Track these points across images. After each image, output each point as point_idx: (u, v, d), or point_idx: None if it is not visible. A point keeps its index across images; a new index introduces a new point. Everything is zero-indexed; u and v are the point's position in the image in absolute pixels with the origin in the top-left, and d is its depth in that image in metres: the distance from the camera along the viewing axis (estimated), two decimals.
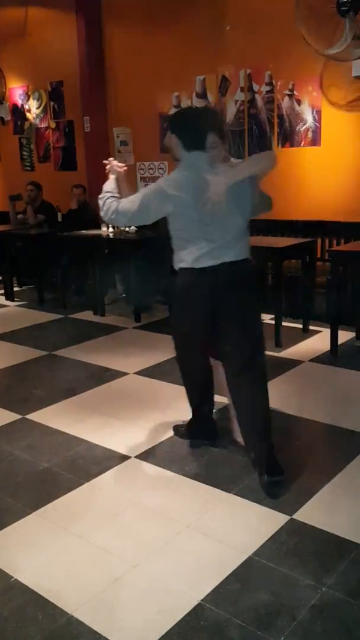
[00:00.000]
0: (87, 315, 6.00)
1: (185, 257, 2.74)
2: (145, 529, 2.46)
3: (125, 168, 3.05)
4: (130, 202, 2.74)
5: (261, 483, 2.70)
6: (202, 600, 2.04)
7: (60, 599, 2.07)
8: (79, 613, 2.00)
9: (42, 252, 6.49)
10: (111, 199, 2.80)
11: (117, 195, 2.84)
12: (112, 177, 2.95)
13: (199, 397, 3.10)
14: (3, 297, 6.89)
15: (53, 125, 7.63)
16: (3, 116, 8.13)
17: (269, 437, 2.76)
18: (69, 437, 3.32)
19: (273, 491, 2.66)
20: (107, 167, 3.00)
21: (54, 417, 3.60)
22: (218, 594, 2.07)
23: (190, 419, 3.18)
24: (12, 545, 2.39)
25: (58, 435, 3.35)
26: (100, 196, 2.85)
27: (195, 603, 2.03)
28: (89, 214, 6.70)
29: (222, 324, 2.75)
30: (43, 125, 7.76)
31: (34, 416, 3.62)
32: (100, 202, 2.83)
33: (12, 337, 5.36)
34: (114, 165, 2.99)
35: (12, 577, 2.18)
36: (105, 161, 3.05)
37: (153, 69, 6.46)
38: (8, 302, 6.74)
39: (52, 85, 7.51)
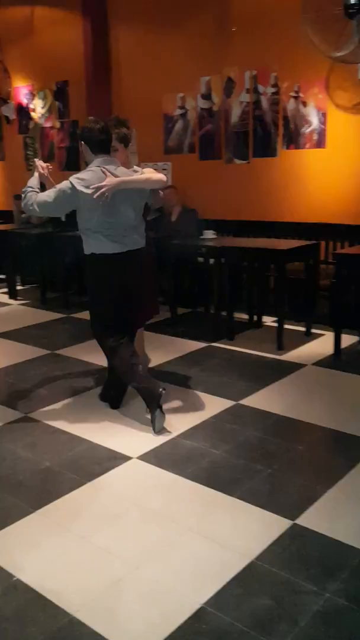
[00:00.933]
0: (89, 315, 5.97)
1: (93, 245, 3.37)
2: (147, 530, 2.45)
3: (50, 168, 3.59)
4: (47, 195, 3.31)
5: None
6: (204, 604, 2.03)
7: (61, 599, 2.06)
8: (80, 614, 1.99)
9: (45, 251, 6.49)
10: (32, 193, 3.36)
11: (37, 190, 3.40)
12: (35, 174, 3.47)
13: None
14: (6, 296, 6.89)
15: (58, 125, 7.63)
16: (8, 115, 8.12)
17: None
18: (70, 436, 3.32)
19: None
20: (36, 165, 3.52)
21: (55, 416, 3.60)
22: (220, 598, 2.06)
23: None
24: (14, 544, 2.38)
25: (60, 435, 3.35)
26: (23, 190, 3.37)
27: (197, 607, 2.02)
28: None
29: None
30: (48, 124, 7.75)
31: (36, 415, 3.62)
32: (22, 195, 3.36)
33: (14, 335, 5.35)
34: (39, 164, 3.52)
35: (14, 577, 2.18)
36: (34, 160, 3.58)
37: (158, 70, 6.46)
38: (11, 301, 6.74)
39: (58, 85, 7.50)
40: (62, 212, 3.43)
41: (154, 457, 3.04)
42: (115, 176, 3.26)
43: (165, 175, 3.54)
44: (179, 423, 3.43)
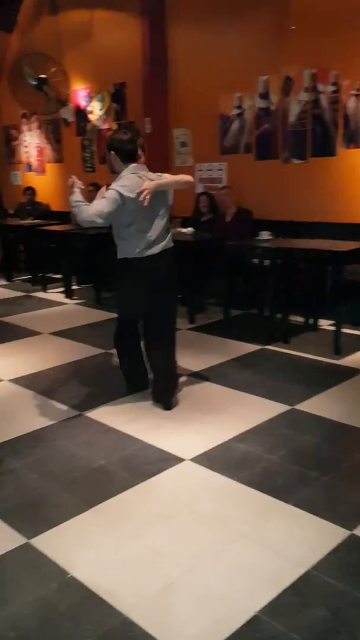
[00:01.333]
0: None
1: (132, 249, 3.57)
2: (199, 534, 2.43)
3: (83, 187, 3.67)
4: (101, 205, 3.40)
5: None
6: (258, 611, 1.99)
7: (115, 598, 2.07)
8: (133, 615, 1.99)
9: (100, 252, 6.57)
10: (85, 206, 3.45)
11: (87, 203, 3.48)
12: (77, 190, 3.56)
13: None
14: (62, 295, 7.02)
15: (114, 126, 7.71)
16: (66, 118, 8.28)
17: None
18: (123, 435, 3.34)
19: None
20: (70, 182, 3.60)
21: (109, 414, 3.63)
22: (275, 607, 2.02)
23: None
24: (69, 541, 2.41)
25: (113, 434, 3.37)
26: (74, 205, 3.48)
27: (251, 614, 1.98)
28: None
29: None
30: (105, 126, 7.85)
31: (91, 413, 3.66)
32: (76, 210, 3.45)
33: (70, 334, 5.44)
34: (77, 182, 3.62)
35: (69, 574, 2.20)
36: (70, 178, 3.65)
37: (215, 70, 6.43)
38: (67, 300, 6.87)
39: (115, 87, 7.59)
40: (114, 219, 3.51)
41: (206, 460, 3.02)
42: (150, 180, 3.48)
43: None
44: (232, 426, 3.39)
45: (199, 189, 6.79)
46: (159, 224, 3.59)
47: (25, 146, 9.29)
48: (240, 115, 6.35)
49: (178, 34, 6.81)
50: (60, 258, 7.12)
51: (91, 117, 8.01)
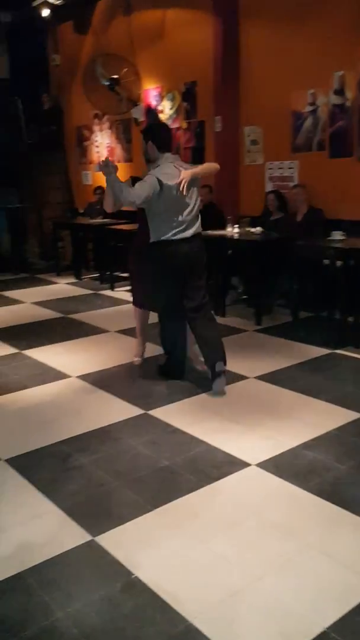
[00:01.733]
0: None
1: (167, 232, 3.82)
2: (266, 543, 2.36)
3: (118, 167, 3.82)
4: (142, 188, 3.70)
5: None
6: (327, 628, 1.91)
7: (179, 603, 2.04)
8: (198, 622, 1.95)
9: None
10: (127, 187, 3.75)
11: (127, 184, 3.81)
12: (113, 171, 3.72)
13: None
14: (129, 294, 7.07)
15: (185, 125, 7.71)
16: (137, 117, 8.34)
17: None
18: (189, 437, 3.31)
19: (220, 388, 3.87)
20: (104, 163, 3.72)
21: (175, 415, 3.61)
22: (345, 624, 1.93)
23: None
24: (133, 540, 2.40)
25: (179, 434, 3.35)
26: (117, 186, 3.70)
27: (319, 630, 1.91)
28: (215, 215, 6.69)
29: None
30: (175, 125, 7.86)
31: (156, 412, 3.65)
32: (120, 190, 3.70)
33: (134, 332, 5.46)
34: (112, 163, 3.75)
35: (133, 574, 2.19)
36: (103, 159, 3.76)
37: (288, 66, 6.29)
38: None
39: (186, 86, 7.58)
40: (149, 205, 3.81)
41: (273, 466, 2.94)
42: (185, 169, 3.79)
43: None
44: (300, 432, 3.30)
45: (269, 187, 6.68)
46: (191, 210, 3.88)
47: (96, 146, 9.45)
48: (313, 112, 6.18)
49: (251, 31, 6.71)
50: (128, 257, 7.18)
51: (161, 116, 8.03)
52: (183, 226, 3.84)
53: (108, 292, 7.36)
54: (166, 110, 7.96)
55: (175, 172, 3.75)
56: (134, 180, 3.98)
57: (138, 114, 8.26)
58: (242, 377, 4.21)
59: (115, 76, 7.95)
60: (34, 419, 3.65)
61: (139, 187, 3.71)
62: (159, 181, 3.69)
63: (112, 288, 7.49)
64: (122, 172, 8.93)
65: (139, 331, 4.62)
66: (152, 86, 8.12)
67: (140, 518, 2.54)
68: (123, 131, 8.82)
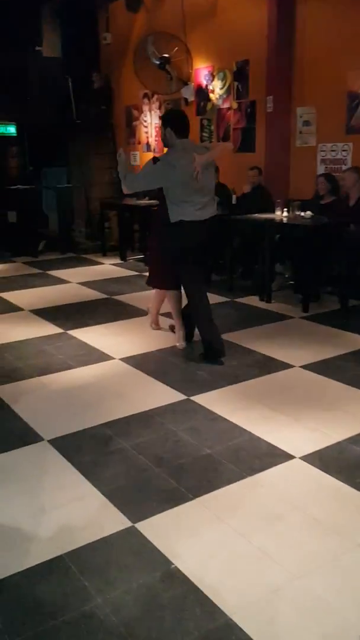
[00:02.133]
0: (253, 301, 5.89)
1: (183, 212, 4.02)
2: (310, 539, 2.30)
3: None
4: (137, 181, 4.13)
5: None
6: None
7: (218, 597, 2.00)
8: (237, 617, 1.91)
9: (213, 234, 6.47)
10: (129, 175, 4.11)
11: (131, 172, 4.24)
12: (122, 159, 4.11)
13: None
14: None
15: (235, 105, 7.54)
16: (187, 97, 8.21)
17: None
18: (231, 425, 3.25)
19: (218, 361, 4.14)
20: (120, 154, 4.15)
21: (217, 402, 3.56)
22: None
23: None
24: (173, 529, 2.37)
25: (221, 422, 3.30)
26: (122, 174, 4.07)
27: None
28: (264, 198, 6.54)
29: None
30: (225, 105, 7.70)
31: (198, 399, 3.61)
32: (123, 177, 4.06)
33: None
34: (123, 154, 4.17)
35: (172, 564, 2.16)
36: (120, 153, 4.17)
37: (345, 46, 6.03)
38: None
39: (238, 65, 7.39)
40: (155, 186, 4.14)
41: (318, 460, 2.86)
42: (198, 154, 3.95)
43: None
44: (347, 425, 3.19)
45: (320, 170, 6.47)
46: (207, 193, 4.09)
47: (145, 126, 9.37)
48: None
49: (308, 9, 6.46)
50: None
51: (212, 96, 7.88)
52: (199, 207, 4.02)
53: None
54: (216, 90, 7.80)
55: (191, 157, 3.92)
56: (156, 160, 4.08)
57: (188, 93, 8.13)
58: (287, 366, 4.12)
59: (166, 55, 7.82)
60: (77, 400, 3.67)
61: (142, 178, 4.10)
62: (172, 165, 3.92)
63: None
64: None
65: (175, 314, 4.61)
66: (203, 65, 7.95)
67: (181, 506, 2.51)
68: None
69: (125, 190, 4.21)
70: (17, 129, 9.09)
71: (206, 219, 4.07)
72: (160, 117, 4.39)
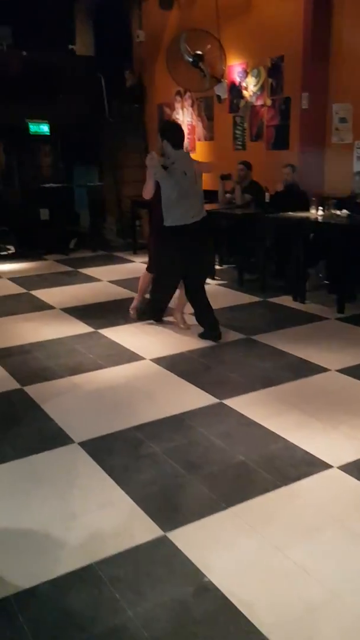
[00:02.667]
0: (286, 301, 5.77)
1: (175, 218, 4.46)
2: (350, 555, 2.19)
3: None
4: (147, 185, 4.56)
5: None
6: None
7: (253, 614, 1.92)
8: (274, 637, 1.83)
9: (245, 232, 6.39)
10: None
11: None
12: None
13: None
14: None
15: (269, 102, 7.40)
16: (220, 94, 8.08)
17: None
18: (266, 431, 3.16)
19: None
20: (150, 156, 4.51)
21: (250, 406, 3.47)
22: None
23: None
24: (206, 540, 2.30)
25: (254, 428, 3.21)
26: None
27: None
28: (298, 196, 6.40)
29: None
30: (258, 103, 7.57)
31: (231, 402, 3.52)
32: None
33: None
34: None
35: (205, 577, 2.09)
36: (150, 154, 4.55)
37: None
38: (209, 281, 6.76)
39: (272, 61, 7.25)
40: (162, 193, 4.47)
41: (357, 470, 2.75)
42: (191, 163, 4.50)
43: None
44: None
45: (357, 167, 6.30)
46: (196, 199, 4.51)
47: None
48: None
49: (344, 4, 6.29)
50: None
51: (245, 93, 7.76)
52: (190, 213, 4.44)
53: None
54: (250, 87, 7.67)
55: (184, 165, 4.41)
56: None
57: (221, 91, 8.01)
58: (322, 369, 4.00)
59: (199, 52, 7.72)
60: (108, 401, 3.62)
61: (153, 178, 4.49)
62: (166, 170, 4.38)
63: None
64: (204, 151, 8.79)
65: (142, 291, 5.28)
66: (236, 62, 7.84)
67: (214, 516, 2.43)
68: (205, 109, 8.61)
69: (146, 196, 4.56)
70: (50, 128, 9.11)
71: (199, 220, 4.49)
72: (158, 130, 4.83)
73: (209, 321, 4.71)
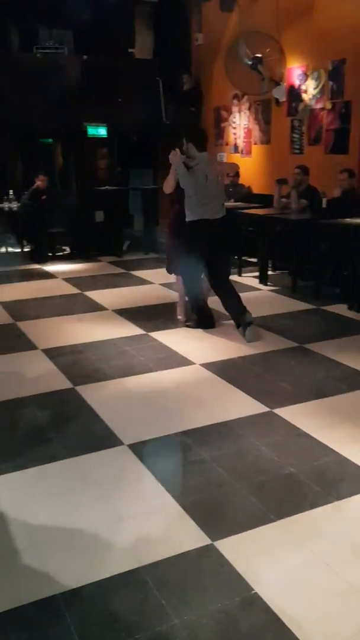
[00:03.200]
0: (341, 309, 5.65)
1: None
2: None
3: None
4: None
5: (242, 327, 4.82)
6: None
7: (302, 632, 1.88)
8: None
9: (300, 238, 6.29)
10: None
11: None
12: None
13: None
14: (257, 280, 6.89)
15: (329, 106, 7.27)
16: (278, 98, 8.01)
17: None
18: (317, 443, 3.09)
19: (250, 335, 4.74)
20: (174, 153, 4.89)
21: (301, 416, 3.40)
22: None
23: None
24: (254, 551, 2.26)
25: (305, 439, 3.15)
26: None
27: None
28: (356, 201, 6.26)
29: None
30: (318, 106, 7.44)
31: (281, 412, 3.47)
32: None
33: (262, 322, 5.28)
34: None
35: (253, 590, 2.06)
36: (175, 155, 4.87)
37: None
38: (261, 286, 6.72)
39: (333, 64, 7.12)
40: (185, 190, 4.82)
41: None
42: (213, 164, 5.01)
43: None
44: None
45: None
46: (216, 197, 4.90)
47: (234, 127, 9.25)
48: None
49: None
50: (258, 242, 6.98)
51: (304, 96, 7.65)
52: (208, 212, 4.80)
53: (235, 278, 7.19)
54: (310, 90, 7.56)
55: (207, 167, 4.85)
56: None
57: (280, 94, 7.94)
58: None
59: (258, 55, 7.68)
60: (157, 405, 3.63)
61: (178, 176, 4.85)
62: (190, 169, 4.77)
63: (239, 273, 7.33)
64: (260, 155, 8.72)
65: (181, 296, 5.39)
66: (296, 65, 7.74)
67: (262, 528, 2.40)
68: (262, 112, 8.54)
69: (167, 190, 4.98)
70: (108, 131, 9.24)
71: (216, 218, 4.85)
72: (183, 134, 5.10)
73: (236, 309, 4.92)
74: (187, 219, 4.82)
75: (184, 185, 4.79)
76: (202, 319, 5.16)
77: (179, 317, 5.36)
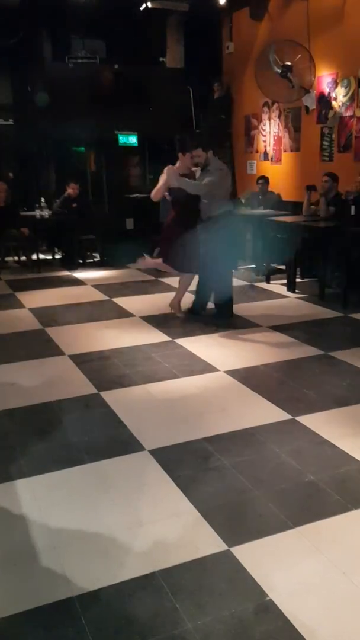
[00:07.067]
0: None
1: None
2: None
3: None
4: (206, 186, 5.33)
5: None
6: None
7: (315, 639, 1.87)
8: None
9: (329, 245, 6.25)
10: (191, 183, 5.44)
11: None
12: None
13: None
14: (284, 288, 6.87)
15: (359, 113, 7.22)
16: (308, 105, 8.00)
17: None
18: (339, 451, 3.07)
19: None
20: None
21: (324, 425, 3.38)
22: None
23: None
24: (269, 558, 2.27)
25: (327, 447, 3.13)
26: (186, 183, 5.38)
27: None
28: None
29: None
30: (348, 113, 7.40)
31: (304, 420, 3.46)
32: (188, 185, 5.39)
33: (288, 329, 5.27)
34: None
35: (267, 596, 2.06)
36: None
37: None
38: (289, 293, 6.69)
39: None
40: (214, 190, 5.41)
41: None
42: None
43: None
44: None
45: None
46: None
47: (264, 135, 9.27)
48: None
49: None
50: (287, 249, 6.96)
51: (334, 104, 7.61)
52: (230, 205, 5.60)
53: (263, 285, 7.20)
54: (339, 98, 7.52)
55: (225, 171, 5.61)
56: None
57: (310, 101, 7.92)
58: None
59: (288, 63, 7.68)
60: (180, 411, 3.66)
61: (208, 184, 5.29)
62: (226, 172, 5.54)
63: (267, 280, 7.32)
64: (290, 162, 8.70)
65: (184, 290, 5.85)
66: (326, 72, 7.72)
67: (280, 534, 2.40)
68: (292, 119, 8.53)
69: (155, 198, 5.66)
70: (138, 139, 9.35)
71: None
72: (202, 146, 5.47)
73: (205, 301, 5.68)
74: (217, 212, 5.40)
75: (210, 190, 5.31)
76: (227, 310, 5.68)
77: (173, 310, 5.82)
